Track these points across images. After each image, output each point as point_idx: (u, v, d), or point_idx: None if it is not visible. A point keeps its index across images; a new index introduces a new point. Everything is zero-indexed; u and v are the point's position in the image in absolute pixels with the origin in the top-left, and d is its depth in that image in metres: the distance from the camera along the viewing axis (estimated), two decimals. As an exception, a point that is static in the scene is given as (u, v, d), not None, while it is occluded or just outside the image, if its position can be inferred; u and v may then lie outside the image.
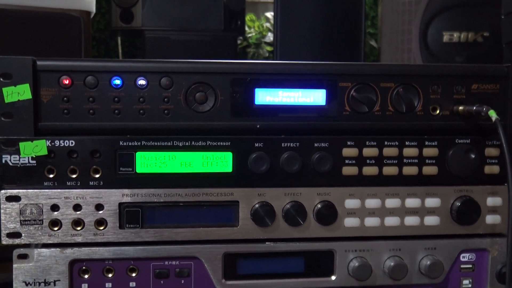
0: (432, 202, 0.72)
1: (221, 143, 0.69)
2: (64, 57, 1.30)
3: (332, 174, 0.70)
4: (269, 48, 2.05)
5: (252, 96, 0.69)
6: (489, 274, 0.73)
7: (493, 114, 0.67)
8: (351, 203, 0.70)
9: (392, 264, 0.70)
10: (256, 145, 0.69)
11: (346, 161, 0.70)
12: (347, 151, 0.70)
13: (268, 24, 2.09)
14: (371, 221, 0.71)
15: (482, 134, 0.72)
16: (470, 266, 0.73)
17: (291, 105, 0.70)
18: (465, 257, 0.73)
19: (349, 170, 0.70)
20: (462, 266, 0.73)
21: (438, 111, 0.72)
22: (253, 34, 2.10)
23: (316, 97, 0.71)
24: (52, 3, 1.25)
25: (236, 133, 0.69)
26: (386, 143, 0.71)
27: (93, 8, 1.38)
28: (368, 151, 0.70)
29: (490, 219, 0.73)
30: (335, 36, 1.73)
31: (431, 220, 0.72)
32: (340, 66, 0.71)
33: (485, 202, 0.72)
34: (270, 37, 2.06)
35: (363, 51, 1.79)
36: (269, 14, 2.05)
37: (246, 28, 2.05)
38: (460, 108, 0.72)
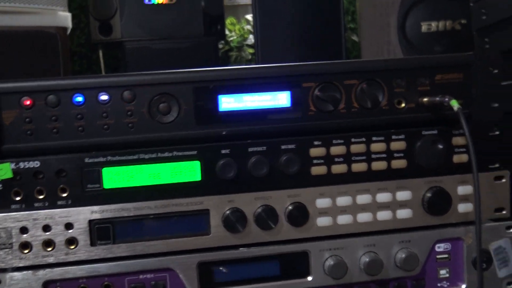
0: (403, 195, 0.70)
1: (188, 153, 0.67)
2: (43, 74, 1.28)
3: (301, 175, 0.68)
4: (251, 51, 2.03)
5: (216, 103, 0.68)
6: (465, 262, 0.72)
7: (455, 104, 0.65)
8: (322, 202, 0.69)
9: (367, 260, 0.68)
10: (223, 151, 0.67)
11: (315, 161, 0.69)
12: (315, 151, 0.69)
13: (249, 27, 2.07)
14: (344, 219, 0.69)
15: (448, 124, 0.71)
16: (446, 255, 0.72)
17: (256, 109, 0.68)
18: (440, 247, 0.71)
19: (318, 170, 0.69)
20: (438, 256, 0.72)
21: (403, 104, 0.71)
22: (235, 37, 2.08)
23: (280, 99, 0.69)
24: (28, 21, 1.23)
25: (202, 141, 0.68)
26: (353, 140, 0.69)
27: (69, 24, 1.36)
28: (336, 150, 0.69)
29: (462, 207, 0.71)
30: (316, 34, 1.71)
31: (403, 213, 0.70)
32: (302, 67, 0.69)
33: (456, 191, 0.71)
34: (251, 39, 2.04)
35: (344, 46, 1.77)
36: (250, 17, 2.03)
37: (227, 32, 2.03)
38: (425, 99, 0.70)
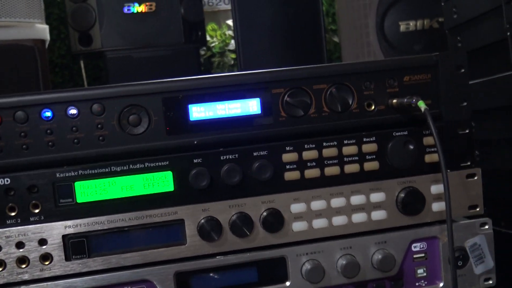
0: (377, 197, 0.71)
1: (160, 163, 0.67)
2: (22, 87, 1.27)
3: (275, 181, 0.69)
4: (233, 56, 2.03)
5: (186, 112, 0.68)
6: (442, 260, 0.72)
7: (422, 105, 0.66)
8: (297, 207, 0.69)
9: (344, 262, 0.69)
10: (195, 161, 0.67)
11: (287, 166, 0.69)
12: (287, 156, 0.69)
13: (230, 32, 2.08)
14: (319, 223, 0.70)
15: (418, 124, 0.72)
16: (423, 255, 0.72)
17: (227, 117, 0.69)
18: (416, 246, 0.72)
19: (291, 175, 0.69)
20: (414, 256, 0.72)
21: (373, 107, 0.71)
22: (216, 43, 2.08)
23: (250, 106, 0.69)
24: (4, 35, 1.22)
25: (174, 151, 0.68)
26: (324, 144, 0.70)
27: (47, 36, 1.35)
28: (308, 154, 0.69)
29: (436, 206, 0.72)
30: (297, 37, 1.73)
31: (378, 215, 0.71)
32: (270, 73, 0.70)
33: (429, 190, 0.72)
34: (233, 44, 2.04)
35: (325, 48, 1.78)
36: (230, 22, 2.03)
37: (209, 38, 2.03)
38: (394, 101, 0.71)
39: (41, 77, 1.28)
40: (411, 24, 1.62)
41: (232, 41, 2.03)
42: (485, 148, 1.02)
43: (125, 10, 1.62)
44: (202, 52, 2.01)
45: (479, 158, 1.04)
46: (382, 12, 1.63)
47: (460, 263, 0.73)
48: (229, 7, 2.01)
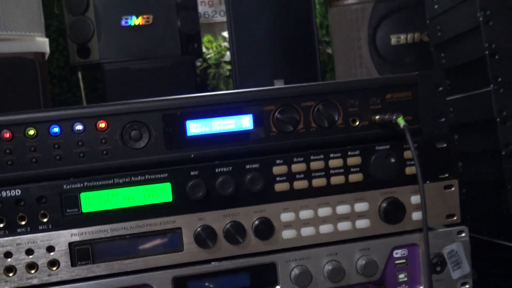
0: (361, 206, 0.77)
1: (159, 176, 0.73)
2: (22, 100, 1.33)
3: (266, 192, 0.75)
4: (229, 67, 2.10)
5: (183, 128, 0.74)
6: (422, 266, 0.78)
7: (401, 121, 0.72)
8: (286, 216, 0.75)
9: (330, 268, 0.75)
10: (192, 173, 0.73)
11: (278, 178, 0.75)
12: (277, 169, 0.75)
13: (226, 44, 2.14)
14: (307, 231, 0.76)
15: (399, 139, 0.78)
16: (404, 261, 0.79)
17: (222, 133, 0.75)
18: (398, 253, 0.78)
19: (281, 187, 0.76)
20: (396, 262, 0.79)
21: (357, 123, 0.78)
22: (212, 54, 2.15)
23: (243, 122, 0.76)
24: (5, 48, 1.28)
25: (172, 164, 0.74)
26: (312, 157, 0.76)
27: (47, 49, 1.42)
28: (297, 167, 0.76)
29: (416, 215, 0.78)
30: (291, 49, 1.80)
31: (362, 223, 0.77)
32: (262, 92, 0.77)
33: (409, 200, 0.78)
34: (229, 56, 2.11)
35: (318, 60, 1.85)
36: (226, 34, 2.10)
37: (204, 50, 2.10)
38: (377, 117, 0.78)
39: (41, 89, 1.34)
40: (402, 37, 1.70)
41: (228, 53, 2.10)
42: (467, 159, 1.09)
43: (123, 23, 1.69)
44: (198, 64, 2.08)
45: (462, 170, 1.11)
46: (373, 25, 1.71)
47: (438, 268, 0.79)
48: (224, 19, 2.09)
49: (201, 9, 2.20)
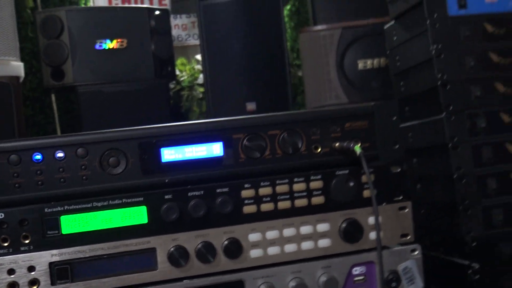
0: (322, 227, 0.85)
1: (135, 199, 0.80)
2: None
3: (235, 214, 0.83)
4: (202, 89, 2.18)
5: (158, 155, 0.82)
6: (378, 282, 0.86)
7: (357, 149, 0.81)
8: (254, 236, 0.83)
9: (294, 285, 0.83)
10: (166, 197, 0.80)
11: (246, 201, 0.83)
12: (246, 193, 0.83)
13: (199, 66, 2.22)
14: (273, 250, 0.84)
15: (358, 164, 0.86)
16: (362, 277, 0.87)
17: (194, 159, 0.83)
18: (356, 270, 0.86)
19: (249, 209, 0.83)
20: (355, 278, 0.87)
21: (319, 149, 0.87)
22: (186, 77, 2.23)
23: (214, 149, 0.83)
24: (-20, 73, 1.32)
25: (148, 188, 0.81)
26: (278, 182, 0.84)
27: (21, 73, 1.47)
28: (264, 191, 0.84)
29: (373, 235, 0.87)
30: (263, 72, 1.89)
31: (323, 243, 0.85)
32: (231, 121, 0.85)
33: (367, 221, 0.87)
34: (202, 78, 2.19)
35: (289, 84, 1.95)
36: (199, 57, 2.18)
37: (178, 72, 2.18)
38: (337, 144, 0.87)
39: (15, 112, 1.39)
40: (368, 62, 1.82)
41: (201, 75, 2.18)
42: (425, 182, 1.19)
43: (97, 46, 1.75)
44: (172, 86, 2.15)
45: (420, 192, 1.21)
46: (341, 51, 1.82)
47: (393, 284, 0.88)
48: (198, 42, 2.17)
49: (175, 32, 2.28)
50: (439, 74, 1.07)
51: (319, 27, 1.86)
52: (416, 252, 0.90)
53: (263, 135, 0.86)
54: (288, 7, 2.30)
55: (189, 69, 2.20)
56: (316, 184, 0.87)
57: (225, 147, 0.85)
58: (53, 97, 1.95)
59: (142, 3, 2.26)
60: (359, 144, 0.85)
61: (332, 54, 1.85)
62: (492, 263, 1.04)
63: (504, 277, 1.04)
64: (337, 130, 0.89)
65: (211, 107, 1.88)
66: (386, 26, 1.31)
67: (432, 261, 1.16)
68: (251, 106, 1.90)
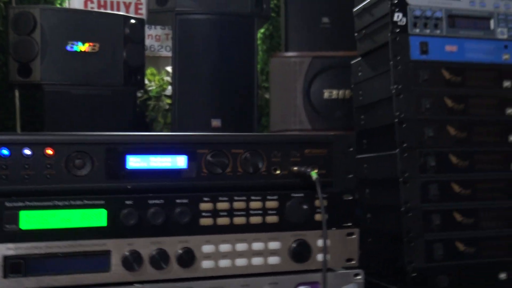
0: (274, 245, 0.91)
1: (96, 202, 0.85)
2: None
3: (191, 225, 0.88)
4: (169, 101, 2.21)
5: (123, 161, 0.86)
6: (322, 302, 0.92)
7: (314, 175, 0.88)
8: (208, 248, 0.88)
9: (241, 297, 0.87)
10: (127, 202, 0.85)
11: (203, 214, 0.88)
12: (204, 206, 0.88)
13: (168, 78, 2.26)
14: (224, 263, 0.89)
15: (313, 189, 0.92)
16: (307, 296, 0.92)
17: (158, 169, 0.88)
18: (302, 289, 0.92)
19: (205, 221, 0.89)
20: (300, 296, 0.92)
21: (278, 171, 0.93)
22: (154, 87, 2.26)
23: (179, 161, 0.88)
24: None
25: (110, 193, 0.85)
26: (235, 198, 0.90)
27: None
28: (221, 205, 0.89)
29: (321, 257, 0.93)
30: (231, 91, 1.94)
31: (273, 260, 0.91)
32: (197, 137, 0.90)
33: (316, 243, 0.93)
34: (170, 90, 2.22)
35: (256, 105, 2.01)
36: (170, 69, 2.22)
37: (147, 82, 2.21)
38: (295, 168, 0.93)
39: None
40: (334, 92, 1.91)
41: (169, 87, 2.22)
42: (375, 212, 1.27)
43: (68, 47, 1.78)
44: (139, 94, 2.18)
45: (370, 221, 1.29)
46: (309, 79, 1.90)
47: (336, 304, 0.94)
48: (170, 54, 2.22)
49: (148, 42, 2.32)
50: (397, 113, 1.15)
51: (290, 54, 1.94)
52: (359, 277, 0.97)
53: (227, 152, 0.92)
54: (262, 30, 2.38)
55: (158, 79, 2.24)
56: (272, 204, 0.93)
57: (189, 160, 0.90)
58: (16, 93, 1.95)
59: (118, 10, 2.30)
60: (316, 170, 0.92)
61: (300, 81, 1.93)
62: (429, 295, 1.12)
63: (439, 309, 1.12)
64: (297, 155, 0.95)
65: (177, 119, 1.92)
66: (353, 61, 1.40)
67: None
68: (216, 122, 1.95)
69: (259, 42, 2.40)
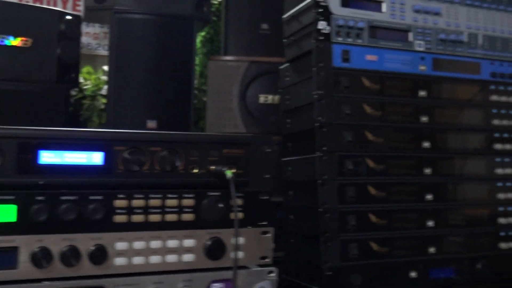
0: (189, 242, 0.92)
1: (6, 197, 0.82)
2: None
3: (105, 222, 0.87)
4: (104, 101, 2.17)
5: (36, 156, 0.84)
6: (235, 299, 0.93)
7: (228, 173, 0.89)
8: (121, 245, 0.88)
9: (154, 294, 0.87)
10: (38, 198, 0.84)
11: (117, 211, 0.88)
12: (119, 203, 0.88)
13: (105, 77, 2.21)
14: (138, 260, 0.89)
15: (229, 188, 0.94)
16: (220, 293, 0.94)
17: (73, 165, 0.87)
18: (215, 286, 0.94)
19: (120, 218, 0.88)
20: (213, 293, 0.93)
21: (196, 170, 0.94)
22: (89, 86, 2.21)
23: (94, 158, 0.88)
24: None
25: (21, 188, 0.83)
26: (151, 195, 0.90)
27: None
28: (137, 202, 0.89)
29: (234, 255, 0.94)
30: (168, 93, 1.93)
31: (188, 257, 0.92)
32: (115, 134, 0.90)
33: (231, 241, 0.94)
34: (106, 89, 2.18)
35: (192, 107, 2.00)
36: (107, 68, 2.18)
37: (82, 80, 2.16)
38: (213, 167, 0.93)
39: None
40: (269, 97, 1.94)
41: (105, 86, 2.18)
42: (297, 213, 1.30)
43: (-1, 41, 1.72)
44: (74, 93, 2.13)
45: (292, 222, 1.32)
46: (245, 83, 1.92)
47: (248, 301, 0.96)
48: (107, 53, 2.18)
49: (85, 39, 2.28)
50: (317, 117, 1.19)
51: (228, 57, 1.96)
52: (272, 274, 0.99)
53: (144, 150, 0.92)
54: (202, 33, 2.39)
55: (94, 78, 2.20)
56: (188, 202, 0.94)
57: (106, 157, 0.90)
58: None
59: (55, 5, 2.24)
60: (231, 170, 0.93)
61: (236, 85, 1.95)
62: (344, 293, 1.15)
63: (353, 306, 1.16)
64: (215, 154, 0.97)
65: (112, 119, 1.89)
66: (281, 67, 1.43)
67: (294, 287, 1.26)
68: (152, 124, 1.93)
69: (199, 45, 2.40)
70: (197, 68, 2.41)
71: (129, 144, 0.91)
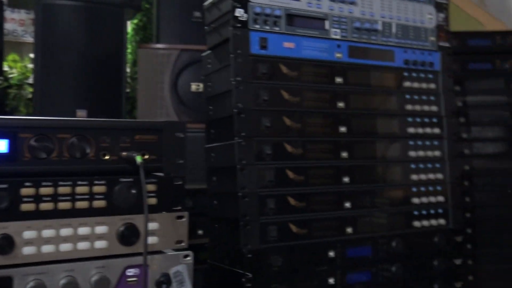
0: (101, 229, 0.91)
1: None
2: None
3: (11, 211, 0.84)
4: (31, 90, 2.10)
5: None
6: (150, 283, 0.94)
7: (138, 159, 0.89)
8: (29, 234, 0.86)
9: (64, 282, 0.87)
10: None
11: (24, 199, 0.86)
12: (25, 191, 0.86)
13: (32, 65, 2.14)
14: (47, 248, 0.87)
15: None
16: (135, 279, 0.94)
17: (-26, 153, 0.83)
18: (130, 272, 0.93)
19: (27, 207, 0.87)
20: (128, 279, 0.94)
21: (107, 157, 0.93)
22: (16, 75, 2.14)
23: (-1, 145, 0.85)
24: None
25: None
26: (60, 183, 0.88)
27: None
28: (44, 190, 0.87)
29: (150, 240, 0.94)
30: (98, 81, 1.88)
31: (100, 244, 0.91)
32: (20, 120, 0.88)
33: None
34: (33, 78, 2.11)
35: (123, 96, 1.97)
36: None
37: (8, 68, 2.08)
38: (124, 154, 0.93)
39: None
40: (201, 85, 1.93)
41: (33, 75, 2.11)
42: (220, 199, 1.31)
43: None
44: (-1, 82, 2.05)
45: (217, 208, 1.33)
46: (177, 71, 1.91)
47: (164, 286, 0.96)
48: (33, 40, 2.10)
49: (10, 26, 2.19)
50: (236, 104, 1.20)
51: (158, 45, 1.93)
52: (188, 258, 0.99)
53: (52, 137, 0.90)
54: (135, 21, 2.34)
55: (21, 66, 2.12)
56: (99, 188, 0.93)
57: (11, 144, 0.87)
58: None
59: (-25, -9, 2.13)
60: (141, 155, 0.93)
61: (167, 73, 1.93)
62: (264, 274, 1.18)
63: (273, 286, 1.19)
64: (127, 140, 0.96)
65: (39, 108, 1.84)
66: (203, 54, 1.43)
67: (218, 271, 1.27)
68: (81, 113, 1.88)
69: (132, 33, 2.36)
70: (130, 57, 2.37)
71: (36, 131, 0.89)
